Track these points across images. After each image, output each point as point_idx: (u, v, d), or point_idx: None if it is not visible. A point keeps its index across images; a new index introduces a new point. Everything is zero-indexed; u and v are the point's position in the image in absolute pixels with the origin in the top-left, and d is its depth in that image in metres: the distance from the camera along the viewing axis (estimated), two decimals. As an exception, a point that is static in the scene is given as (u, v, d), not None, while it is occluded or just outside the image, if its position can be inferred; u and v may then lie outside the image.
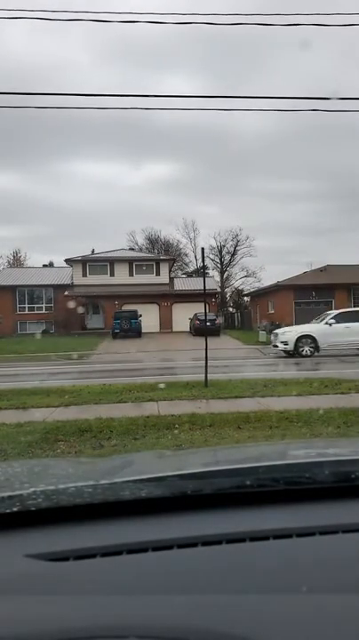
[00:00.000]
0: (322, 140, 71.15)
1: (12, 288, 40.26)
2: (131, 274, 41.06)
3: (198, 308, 27.82)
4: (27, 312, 40.27)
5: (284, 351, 19.88)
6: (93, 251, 45.97)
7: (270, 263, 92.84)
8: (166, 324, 39.21)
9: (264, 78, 49.94)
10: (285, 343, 19.78)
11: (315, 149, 73.40)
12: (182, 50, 51.06)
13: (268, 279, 52.34)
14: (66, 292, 38.16)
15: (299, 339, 19.66)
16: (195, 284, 38.64)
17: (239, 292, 57.43)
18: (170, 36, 51.45)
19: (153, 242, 60.91)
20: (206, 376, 11.03)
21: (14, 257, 58.74)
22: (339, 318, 20.25)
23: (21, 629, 0.79)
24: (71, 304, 36.07)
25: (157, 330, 37.90)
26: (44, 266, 49.70)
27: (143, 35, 37.63)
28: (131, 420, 7.34)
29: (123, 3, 15.65)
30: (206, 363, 11.40)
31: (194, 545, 1.00)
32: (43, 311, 39.95)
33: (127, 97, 12.91)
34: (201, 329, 28.06)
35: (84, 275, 40.76)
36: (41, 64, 41.76)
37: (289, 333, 20.25)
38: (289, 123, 73.10)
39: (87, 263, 41.43)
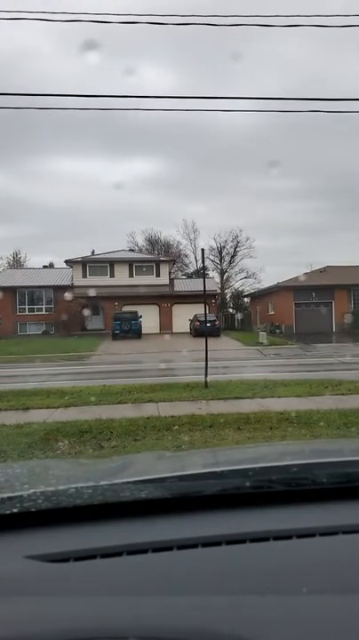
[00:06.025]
0: (319, 140, 71.00)
1: (12, 289, 40.19)
2: (131, 275, 41.01)
3: (198, 310, 27.77)
4: (27, 313, 40.20)
5: None
6: (93, 252, 45.92)
7: (270, 264, 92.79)
8: (166, 325, 39.17)
9: (261, 76, 49.70)
10: None
11: (313, 148, 73.28)
12: (177, 47, 50.84)
13: (268, 280, 52.33)
14: (66, 293, 38.12)
15: None
16: (196, 286, 38.58)
17: (239, 294, 57.36)
18: (168, 34, 51.25)
19: (153, 243, 60.84)
20: (206, 377, 11.02)
21: (14, 258, 58.71)
22: None
23: (21, 630, 0.79)
24: (71, 305, 36.04)
25: (157, 331, 37.85)
26: (44, 267, 49.57)
27: (140, 32, 37.41)
28: (130, 421, 7.34)
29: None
30: (206, 364, 11.39)
31: (194, 546, 1.00)
32: (44, 312, 39.88)
33: (123, 97, 12.94)
34: (201, 330, 28.02)
35: (84, 276, 40.72)
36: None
37: None
38: (286, 120, 72.97)
39: (87, 264, 41.39)
